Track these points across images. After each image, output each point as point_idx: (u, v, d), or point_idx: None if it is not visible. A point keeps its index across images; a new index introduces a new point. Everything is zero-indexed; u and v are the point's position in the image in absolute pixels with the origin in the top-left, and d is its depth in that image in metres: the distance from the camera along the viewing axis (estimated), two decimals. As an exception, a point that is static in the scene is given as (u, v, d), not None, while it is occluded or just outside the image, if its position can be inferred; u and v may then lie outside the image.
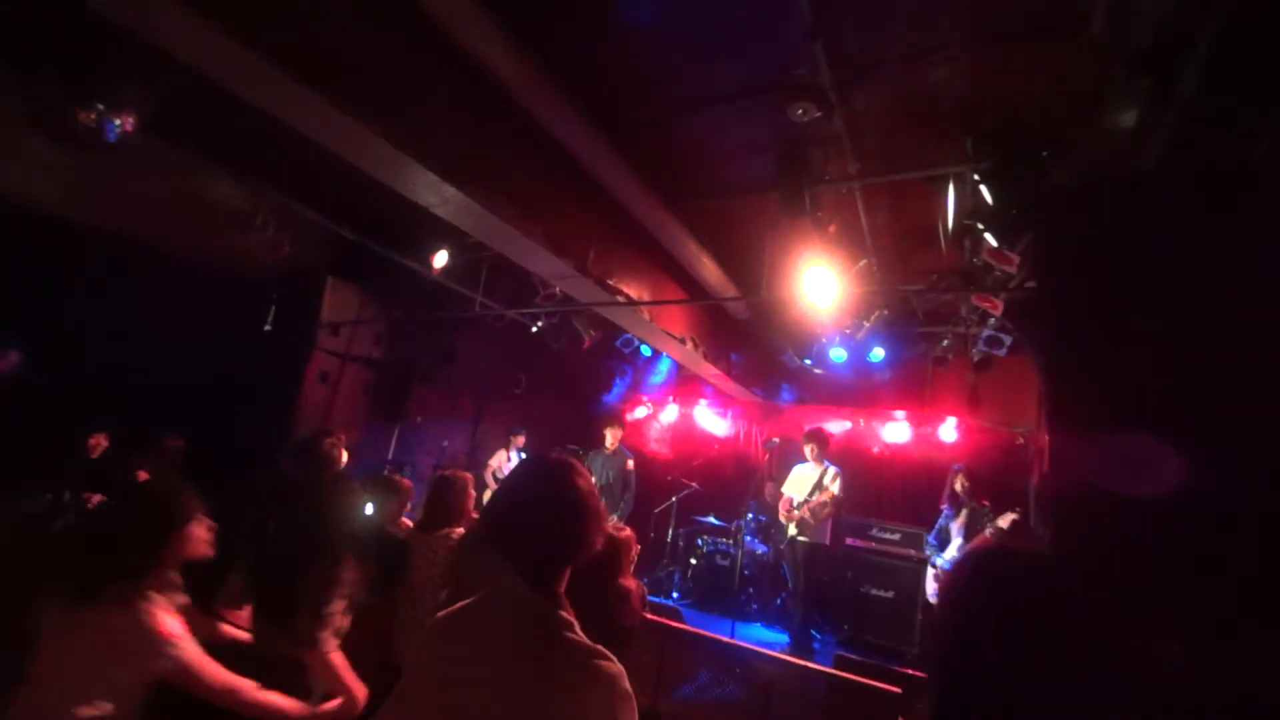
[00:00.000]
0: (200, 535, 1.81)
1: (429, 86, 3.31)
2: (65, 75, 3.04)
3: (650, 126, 3.76)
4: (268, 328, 5.91)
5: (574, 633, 1.08)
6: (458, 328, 6.45)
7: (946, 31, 2.66)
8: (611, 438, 6.24)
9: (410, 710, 1.10)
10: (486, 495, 6.58)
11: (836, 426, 7.37)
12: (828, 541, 5.55)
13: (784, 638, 5.42)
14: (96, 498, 3.80)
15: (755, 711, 2.45)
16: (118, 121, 2.97)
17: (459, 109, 3.49)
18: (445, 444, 7.03)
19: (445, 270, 5.55)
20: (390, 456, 6.19)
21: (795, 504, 5.55)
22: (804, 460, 5.75)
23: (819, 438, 5.74)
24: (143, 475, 3.71)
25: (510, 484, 1.29)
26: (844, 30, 2.73)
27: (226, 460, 4.03)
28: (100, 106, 2.95)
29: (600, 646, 1.07)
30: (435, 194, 3.79)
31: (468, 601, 1.17)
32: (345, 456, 3.32)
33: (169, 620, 1.62)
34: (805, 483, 5.60)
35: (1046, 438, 5.93)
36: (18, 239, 4.21)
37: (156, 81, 3.09)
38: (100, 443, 4.49)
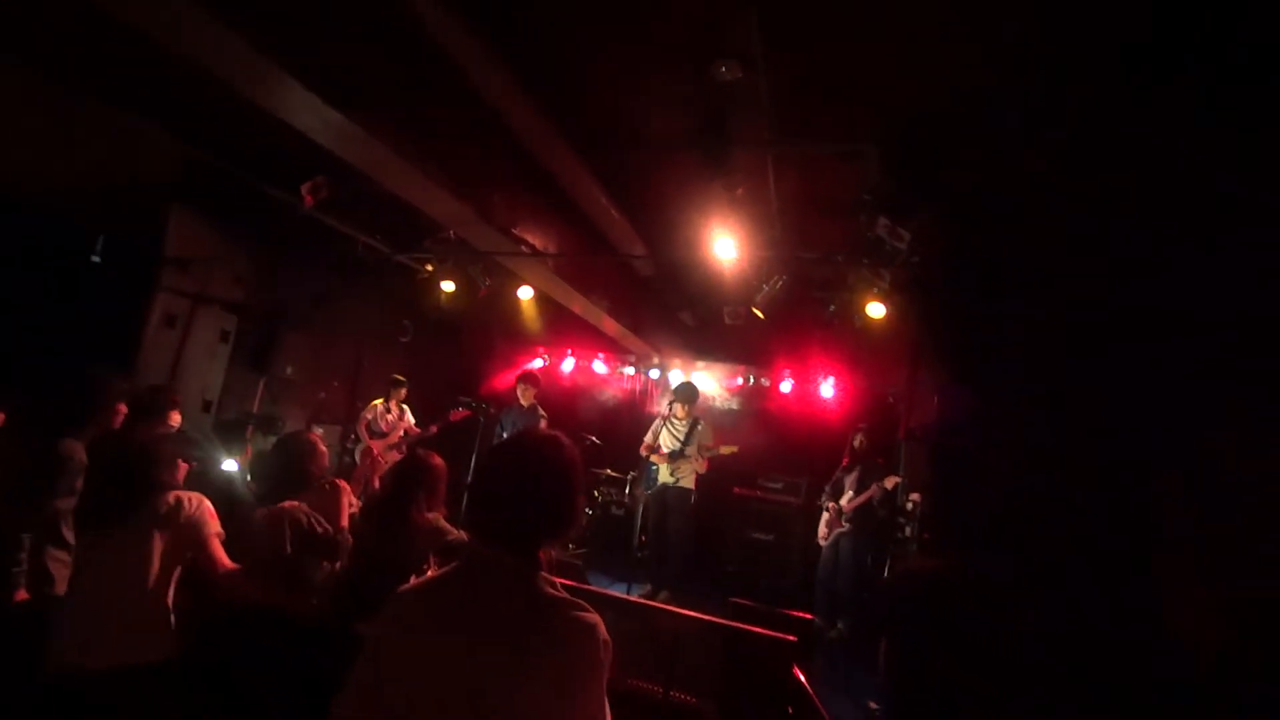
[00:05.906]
0: None
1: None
2: None
3: (566, 68, 3.48)
4: (95, 259, 4.99)
5: (555, 590, 1.14)
6: (336, 269, 5.82)
7: (881, 15, 2.66)
8: (525, 395, 6.07)
9: (389, 681, 1.08)
10: (359, 451, 6.12)
11: (730, 382, 7.70)
12: (693, 486, 5.71)
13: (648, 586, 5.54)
14: None
15: (662, 669, 2.53)
16: None
17: (346, 24, 3.02)
18: (322, 395, 6.45)
19: (322, 204, 4.93)
20: (255, 410, 5.57)
21: (669, 452, 5.65)
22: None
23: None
24: None
25: (501, 457, 1.28)
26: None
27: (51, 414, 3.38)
28: None
29: (579, 600, 1.15)
30: (316, 117, 3.31)
31: (442, 571, 1.19)
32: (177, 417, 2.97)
33: None
34: (677, 434, 5.73)
35: (913, 393, 6.58)
36: None
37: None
38: None
